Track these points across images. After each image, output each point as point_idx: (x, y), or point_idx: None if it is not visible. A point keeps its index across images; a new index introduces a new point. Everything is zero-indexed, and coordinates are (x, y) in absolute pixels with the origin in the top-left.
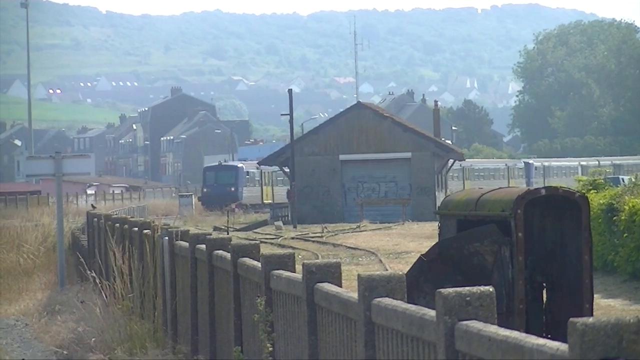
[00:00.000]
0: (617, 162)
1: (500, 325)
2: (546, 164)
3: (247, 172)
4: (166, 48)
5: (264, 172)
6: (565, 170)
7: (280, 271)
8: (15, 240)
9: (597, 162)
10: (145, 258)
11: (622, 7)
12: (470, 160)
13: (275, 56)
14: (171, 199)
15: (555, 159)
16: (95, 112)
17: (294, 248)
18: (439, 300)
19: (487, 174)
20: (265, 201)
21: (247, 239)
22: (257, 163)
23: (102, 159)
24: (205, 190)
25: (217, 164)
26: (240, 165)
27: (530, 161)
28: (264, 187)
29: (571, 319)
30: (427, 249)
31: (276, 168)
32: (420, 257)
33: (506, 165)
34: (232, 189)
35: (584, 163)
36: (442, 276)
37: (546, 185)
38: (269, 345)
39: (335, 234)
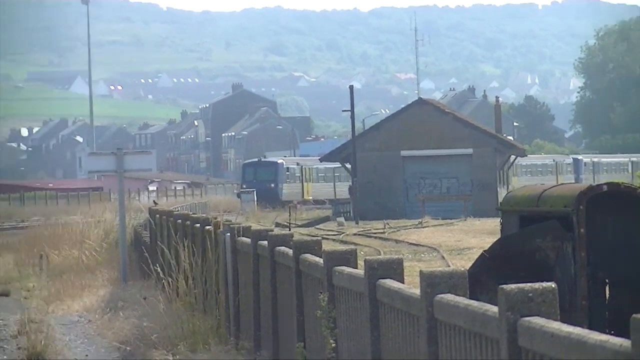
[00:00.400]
0: None
1: (563, 321)
2: (595, 160)
3: (287, 168)
4: (227, 44)
5: (305, 168)
6: (615, 167)
7: (343, 267)
8: (77, 237)
9: None
10: (208, 254)
11: None
12: None
13: (336, 52)
14: (233, 195)
15: (605, 155)
16: (156, 108)
17: (356, 244)
18: (501, 297)
19: (534, 170)
20: (305, 197)
21: (309, 235)
22: (319, 159)
23: (164, 155)
24: (244, 186)
25: (256, 159)
26: (280, 161)
27: (579, 157)
28: (305, 184)
29: (634, 315)
30: (489, 245)
31: (317, 164)
32: (482, 253)
33: (554, 161)
34: (272, 185)
35: (634, 159)
36: (504, 272)
37: (599, 182)
38: (331, 341)
39: (397, 230)
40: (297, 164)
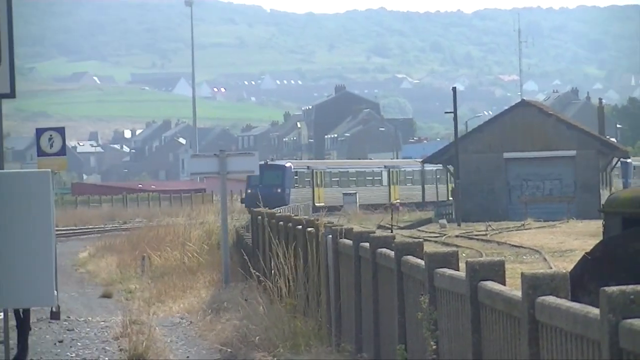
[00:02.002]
0: None
1: None
2: None
3: (296, 172)
4: (330, 46)
5: (316, 172)
6: None
7: (444, 269)
8: (179, 239)
9: None
10: (309, 256)
11: None
12: None
13: (439, 54)
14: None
15: None
16: (259, 110)
17: (457, 246)
18: (603, 299)
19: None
20: (317, 204)
21: (410, 237)
22: (421, 161)
23: (266, 157)
24: (249, 191)
25: (262, 162)
26: (287, 164)
27: (628, 160)
28: (316, 189)
29: None
30: (591, 247)
31: (325, 167)
32: (584, 255)
33: None
34: (278, 190)
35: None
36: (606, 275)
37: None
38: (432, 343)
39: (500, 232)
40: (308, 167)
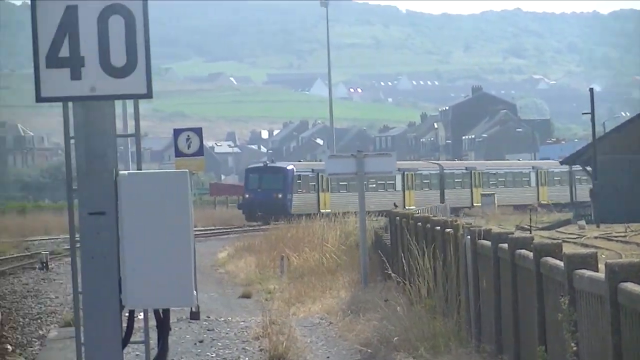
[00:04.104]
0: None
1: None
2: None
3: (299, 175)
4: (466, 47)
5: (321, 177)
6: None
7: (583, 270)
8: (317, 239)
9: None
10: (448, 257)
11: None
12: None
13: (576, 55)
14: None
15: None
16: (396, 111)
17: (596, 247)
18: None
19: None
20: (322, 210)
21: (549, 238)
22: (560, 162)
23: (404, 157)
24: (246, 196)
25: (261, 164)
26: (289, 167)
27: None
28: (322, 194)
29: None
30: None
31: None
32: None
33: None
34: (279, 195)
35: None
36: None
37: None
38: (572, 344)
39: (639, 234)
40: (312, 170)
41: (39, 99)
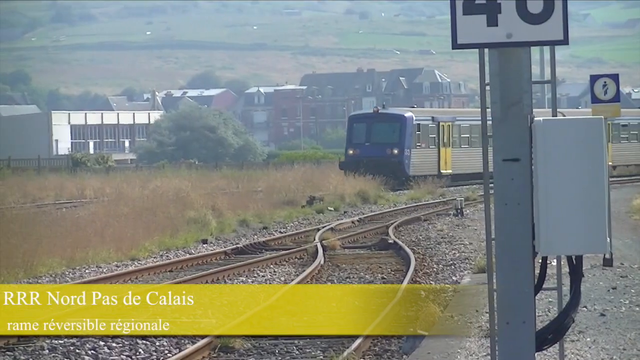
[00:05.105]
0: None
1: None
2: None
3: (418, 124)
4: None
5: (442, 126)
6: None
7: None
8: None
9: None
10: None
11: None
12: None
13: None
14: None
15: None
16: None
17: None
18: None
19: None
20: (443, 171)
21: None
22: None
23: None
24: (350, 152)
25: (370, 111)
26: (408, 114)
27: None
28: (442, 149)
29: None
30: None
31: (451, 120)
32: None
33: None
34: (394, 150)
35: None
36: None
37: None
38: None
39: None
40: (432, 118)
41: (455, 45)
